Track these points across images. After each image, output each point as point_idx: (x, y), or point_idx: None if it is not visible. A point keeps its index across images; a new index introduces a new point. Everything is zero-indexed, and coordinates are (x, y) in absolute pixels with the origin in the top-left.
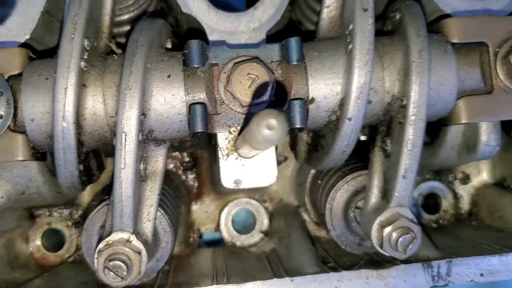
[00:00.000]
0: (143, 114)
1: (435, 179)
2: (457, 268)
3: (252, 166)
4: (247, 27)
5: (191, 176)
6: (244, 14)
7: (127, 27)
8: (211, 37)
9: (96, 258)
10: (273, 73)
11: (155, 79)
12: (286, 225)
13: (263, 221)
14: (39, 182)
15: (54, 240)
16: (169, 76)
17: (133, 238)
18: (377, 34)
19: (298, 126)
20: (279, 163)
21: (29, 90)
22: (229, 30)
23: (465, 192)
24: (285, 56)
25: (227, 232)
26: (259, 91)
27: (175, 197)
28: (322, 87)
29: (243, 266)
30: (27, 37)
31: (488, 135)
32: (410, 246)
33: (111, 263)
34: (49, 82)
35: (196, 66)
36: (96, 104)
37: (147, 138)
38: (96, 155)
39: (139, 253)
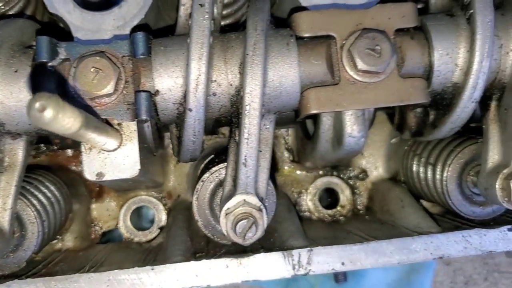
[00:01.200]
0: None
1: (332, 175)
2: (318, 257)
3: (115, 158)
4: (111, 25)
5: None
6: (108, 13)
7: None
8: (76, 34)
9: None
10: (123, 67)
11: (2, 75)
12: (172, 219)
13: (162, 218)
14: None
15: None
16: (16, 71)
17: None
18: None
19: (143, 118)
20: (178, 160)
21: None
22: (93, 28)
23: (363, 187)
24: (133, 50)
25: (125, 228)
26: (103, 83)
27: (63, 193)
28: (166, 80)
29: (121, 259)
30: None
31: (351, 127)
32: (249, 232)
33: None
34: None
35: (44, 60)
36: None
37: (0, 132)
38: None
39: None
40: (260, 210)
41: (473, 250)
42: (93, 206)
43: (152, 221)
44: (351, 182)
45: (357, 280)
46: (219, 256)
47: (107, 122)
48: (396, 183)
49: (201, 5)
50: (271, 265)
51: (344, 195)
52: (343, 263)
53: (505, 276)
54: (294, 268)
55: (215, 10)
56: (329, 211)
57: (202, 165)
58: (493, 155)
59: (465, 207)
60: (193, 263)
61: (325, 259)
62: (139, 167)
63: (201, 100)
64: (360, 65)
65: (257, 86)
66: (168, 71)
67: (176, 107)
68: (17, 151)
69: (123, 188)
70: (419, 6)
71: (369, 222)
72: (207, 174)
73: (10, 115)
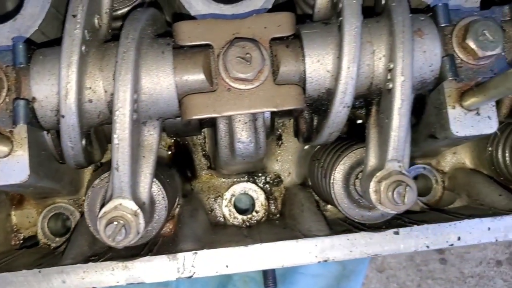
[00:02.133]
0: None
1: (248, 181)
2: (202, 260)
3: (5, 164)
4: (7, 37)
5: None
6: (3, 26)
7: None
8: None
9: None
10: (6, 76)
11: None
12: (76, 224)
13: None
14: None
15: None
16: None
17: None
18: None
19: (20, 123)
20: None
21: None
22: None
23: (278, 193)
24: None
25: (43, 235)
26: None
27: None
28: (42, 88)
29: (25, 264)
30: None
31: (240, 133)
32: (119, 235)
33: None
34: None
35: None
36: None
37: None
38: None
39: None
40: (135, 214)
41: (358, 253)
42: (13, 213)
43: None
44: (267, 188)
45: (286, 286)
46: (105, 259)
47: None
48: (304, 188)
49: (74, 16)
50: (156, 268)
51: (259, 201)
52: (227, 266)
53: (438, 282)
54: (178, 271)
55: (96, 21)
56: (244, 217)
57: None
58: (372, 159)
59: (353, 210)
60: (80, 266)
61: (210, 262)
62: (28, 172)
63: (72, 106)
64: (232, 72)
65: (125, 93)
66: (44, 79)
67: (54, 114)
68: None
69: (39, 195)
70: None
71: (275, 226)
72: (97, 181)
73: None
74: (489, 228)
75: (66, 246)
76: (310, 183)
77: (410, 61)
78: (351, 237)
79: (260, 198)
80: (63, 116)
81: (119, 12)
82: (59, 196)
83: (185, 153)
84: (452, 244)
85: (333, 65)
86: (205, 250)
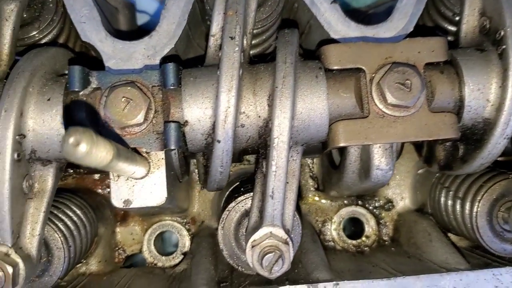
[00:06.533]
0: (20, 135)
1: (358, 204)
2: None
3: (142, 186)
4: (142, 54)
5: None
6: (139, 42)
7: None
8: (107, 63)
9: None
10: (153, 97)
11: (35, 102)
12: (196, 246)
13: (185, 243)
14: None
15: None
16: (49, 99)
17: (11, 251)
18: None
19: (172, 148)
20: (202, 187)
21: None
22: (124, 57)
23: (388, 218)
24: (163, 81)
25: (149, 253)
26: (134, 113)
27: (89, 217)
28: (195, 111)
29: (145, 286)
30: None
31: (379, 159)
32: (275, 265)
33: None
34: None
35: (76, 90)
36: None
37: (31, 158)
38: None
39: (15, 266)
40: (286, 243)
41: None
42: (118, 229)
43: (175, 246)
44: (376, 212)
45: None
46: (246, 286)
47: (136, 151)
48: (423, 215)
49: (232, 38)
50: None
51: (370, 226)
52: None
53: None
54: None
55: (245, 42)
56: (354, 242)
57: (227, 193)
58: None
59: (495, 244)
60: None
61: None
62: (166, 195)
63: (229, 132)
64: (390, 99)
65: (285, 119)
66: (198, 102)
67: (204, 138)
68: (47, 178)
69: (149, 213)
70: (449, 39)
71: (395, 254)
72: (232, 204)
73: (42, 142)
74: None
75: (190, 269)
76: (430, 210)
77: None
78: (496, 272)
79: (370, 222)
80: (218, 141)
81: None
82: (167, 214)
83: None
84: None
85: (494, 95)
86: (346, 282)
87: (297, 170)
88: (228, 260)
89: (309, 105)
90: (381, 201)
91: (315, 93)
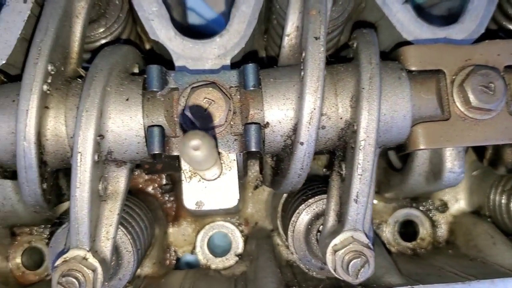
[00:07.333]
0: (100, 136)
1: (412, 206)
2: None
3: (214, 188)
4: (212, 54)
5: (169, 199)
6: (209, 42)
7: None
8: (177, 62)
9: (52, 274)
10: (231, 98)
11: (114, 102)
12: (257, 248)
13: (239, 245)
14: (13, 200)
15: (35, 258)
16: (127, 99)
17: (89, 255)
18: (341, 61)
19: (253, 150)
20: (255, 187)
21: None
22: (195, 57)
23: (443, 220)
24: (242, 82)
25: (202, 254)
26: (216, 115)
27: (148, 218)
28: (276, 112)
29: None
30: (3, 62)
31: (452, 162)
32: (361, 271)
33: (64, 278)
34: (14, 104)
35: (154, 90)
36: (58, 125)
37: (106, 159)
38: (67, 175)
39: (94, 270)
40: (369, 247)
41: None
42: (170, 230)
43: (226, 248)
44: (430, 214)
45: None
46: None
47: None
48: (481, 217)
49: (316, 38)
50: None
51: (424, 228)
52: None
53: None
54: None
55: None
56: (409, 244)
57: (284, 194)
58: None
59: None
60: None
61: None
62: (238, 197)
63: (313, 134)
64: (474, 101)
65: (373, 122)
66: (279, 103)
67: (283, 139)
68: (120, 179)
69: (203, 213)
70: None
71: (455, 257)
72: (303, 206)
73: (120, 143)
74: None
75: (255, 272)
76: (488, 213)
77: None
78: None
79: (425, 225)
80: (302, 143)
81: None
82: (220, 215)
83: None
84: None
85: None
86: (420, 286)
87: (374, 173)
88: (299, 264)
89: (393, 106)
90: (435, 203)
91: (398, 95)
